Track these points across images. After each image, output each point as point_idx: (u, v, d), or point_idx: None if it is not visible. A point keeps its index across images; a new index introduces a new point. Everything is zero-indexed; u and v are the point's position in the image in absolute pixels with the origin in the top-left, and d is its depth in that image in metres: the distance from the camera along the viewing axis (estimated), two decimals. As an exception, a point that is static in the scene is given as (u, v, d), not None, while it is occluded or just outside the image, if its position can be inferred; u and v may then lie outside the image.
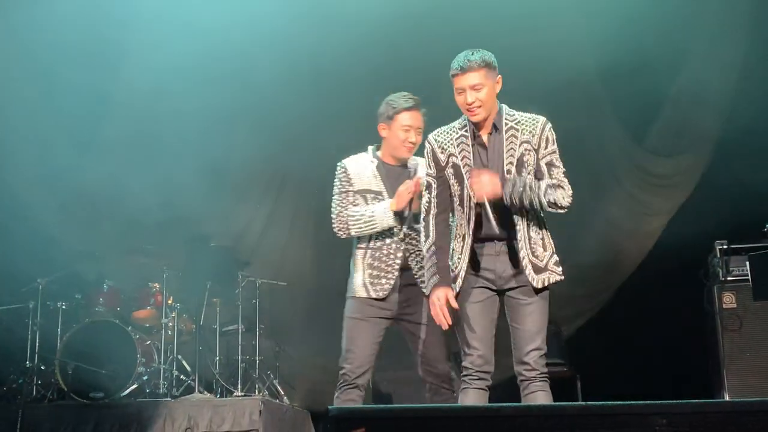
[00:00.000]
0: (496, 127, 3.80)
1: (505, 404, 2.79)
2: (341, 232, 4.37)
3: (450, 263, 3.81)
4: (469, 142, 3.82)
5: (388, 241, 4.30)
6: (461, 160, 3.79)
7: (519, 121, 3.82)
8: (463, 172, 3.77)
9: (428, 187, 3.91)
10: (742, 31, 7.11)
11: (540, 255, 3.75)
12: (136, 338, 6.47)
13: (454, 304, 3.74)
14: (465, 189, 3.77)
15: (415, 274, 4.29)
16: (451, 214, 3.90)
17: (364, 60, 6.97)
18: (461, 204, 3.81)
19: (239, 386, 6.64)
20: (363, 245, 4.35)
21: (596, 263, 7.55)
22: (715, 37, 7.15)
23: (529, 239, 3.75)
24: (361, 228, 4.31)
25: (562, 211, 3.76)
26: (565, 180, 3.78)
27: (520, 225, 3.74)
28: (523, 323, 3.75)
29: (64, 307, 6.52)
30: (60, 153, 6.86)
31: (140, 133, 7.08)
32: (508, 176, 3.71)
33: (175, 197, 6.98)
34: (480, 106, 3.74)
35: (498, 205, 3.71)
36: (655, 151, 7.60)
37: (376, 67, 6.91)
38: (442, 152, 3.85)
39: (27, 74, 6.89)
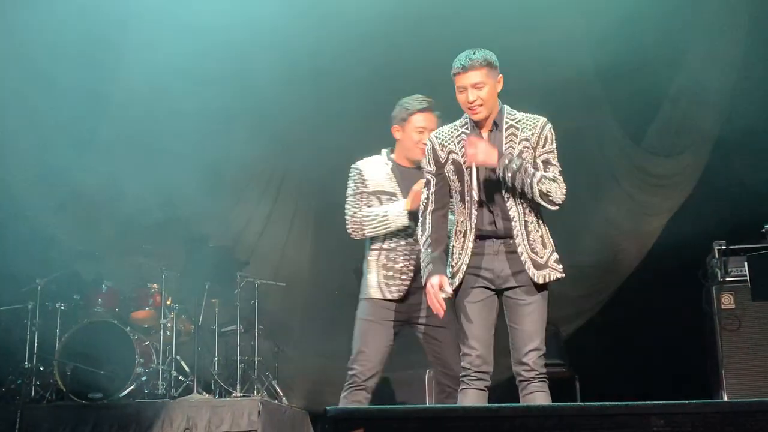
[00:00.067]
0: (496, 125, 3.82)
1: (503, 405, 2.78)
2: (355, 234, 4.34)
3: (450, 260, 3.82)
4: (470, 139, 3.82)
5: (402, 242, 4.29)
6: (462, 156, 3.79)
7: (520, 120, 3.83)
8: (464, 168, 3.77)
9: (427, 184, 3.92)
10: (742, 30, 7.11)
11: (540, 252, 3.75)
12: (134, 339, 6.47)
13: (448, 290, 3.75)
14: (465, 185, 3.78)
15: None
16: (450, 213, 3.90)
17: (363, 60, 6.97)
18: (462, 200, 3.81)
19: (238, 387, 6.63)
20: (377, 246, 4.33)
21: (595, 263, 7.55)
22: (715, 37, 7.16)
23: (528, 236, 3.74)
24: (375, 228, 4.29)
25: (554, 207, 3.75)
26: (560, 178, 3.78)
27: (518, 223, 3.74)
28: (521, 323, 3.75)
29: (62, 307, 6.51)
30: (59, 153, 6.85)
31: (139, 134, 7.09)
32: (506, 152, 3.71)
33: (174, 197, 6.99)
34: (481, 105, 3.76)
35: (497, 202, 3.73)
36: (655, 151, 7.60)
37: (375, 67, 6.91)
38: (442, 149, 3.86)
39: (26, 74, 6.89)
